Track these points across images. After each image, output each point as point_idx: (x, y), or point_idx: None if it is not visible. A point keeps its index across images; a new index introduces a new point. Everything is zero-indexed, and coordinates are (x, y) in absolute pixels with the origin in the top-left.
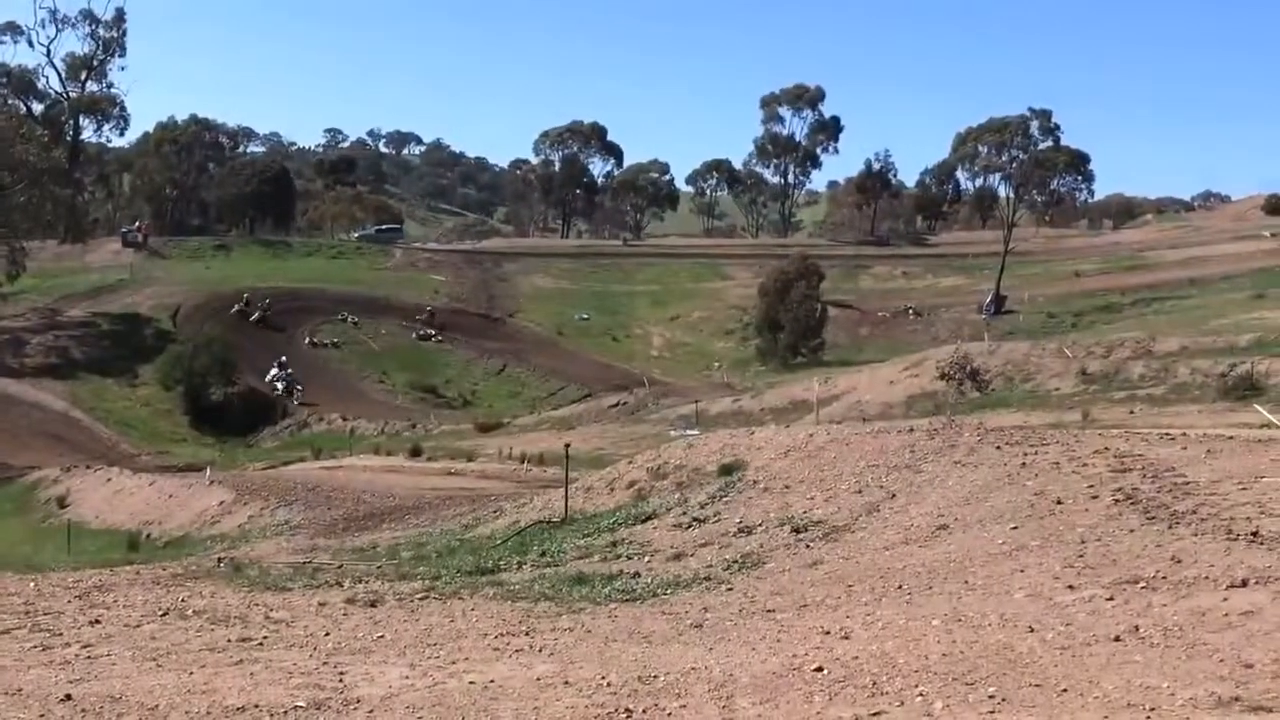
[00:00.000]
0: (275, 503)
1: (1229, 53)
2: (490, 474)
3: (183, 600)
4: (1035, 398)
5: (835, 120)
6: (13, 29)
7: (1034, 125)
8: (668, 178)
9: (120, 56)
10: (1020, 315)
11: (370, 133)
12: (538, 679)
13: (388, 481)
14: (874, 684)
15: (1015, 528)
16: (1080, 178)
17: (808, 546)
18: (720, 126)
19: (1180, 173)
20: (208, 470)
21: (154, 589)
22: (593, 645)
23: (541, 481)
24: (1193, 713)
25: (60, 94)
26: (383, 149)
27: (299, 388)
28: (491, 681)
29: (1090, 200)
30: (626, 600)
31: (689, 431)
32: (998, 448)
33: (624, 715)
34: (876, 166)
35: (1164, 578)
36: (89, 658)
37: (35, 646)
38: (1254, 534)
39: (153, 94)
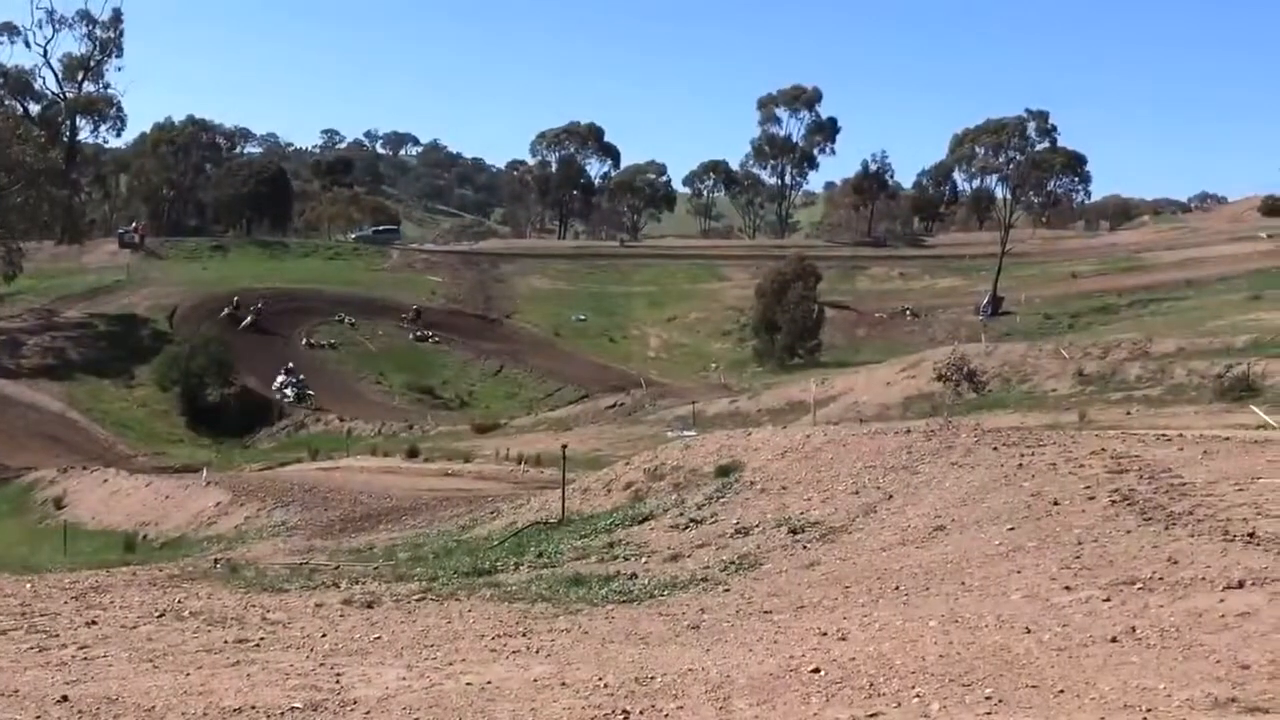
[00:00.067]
0: (272, 504)
1: (1226, 54)
2: (487, 475)
3: (179, 601)
4: (1032, 399)
5: (832, 121)
6: (9, 29)
7: (1031, 126)
8: (665, 179)
9: (117, 57)
10: (1017, 316)
11: (367, 133)
12: (535, 680)
13: (385, 482)
14: (871, 685)
15: (1012, 529)
16: (1077, 179)
17: (805, 548)
18: (717, 127)
19: (1177, 174)
20: (204, 471)
21: (151, 590)
22: (590, 646)
23: (538, 483)
24: (1189, 714)
25: (57, 94)
26: (380, 150)
27: (310, 393)
28: (488, 683)
29: (1087, 201)
30: (623, 601)
31: (686, 432)
32: (994, 449)
33: (621, 716)
34: (873, 168)
35: (1160, 579)
36: (85, 659)
37: (32, 648)
38: (1250, 535)
39: (150, 95)
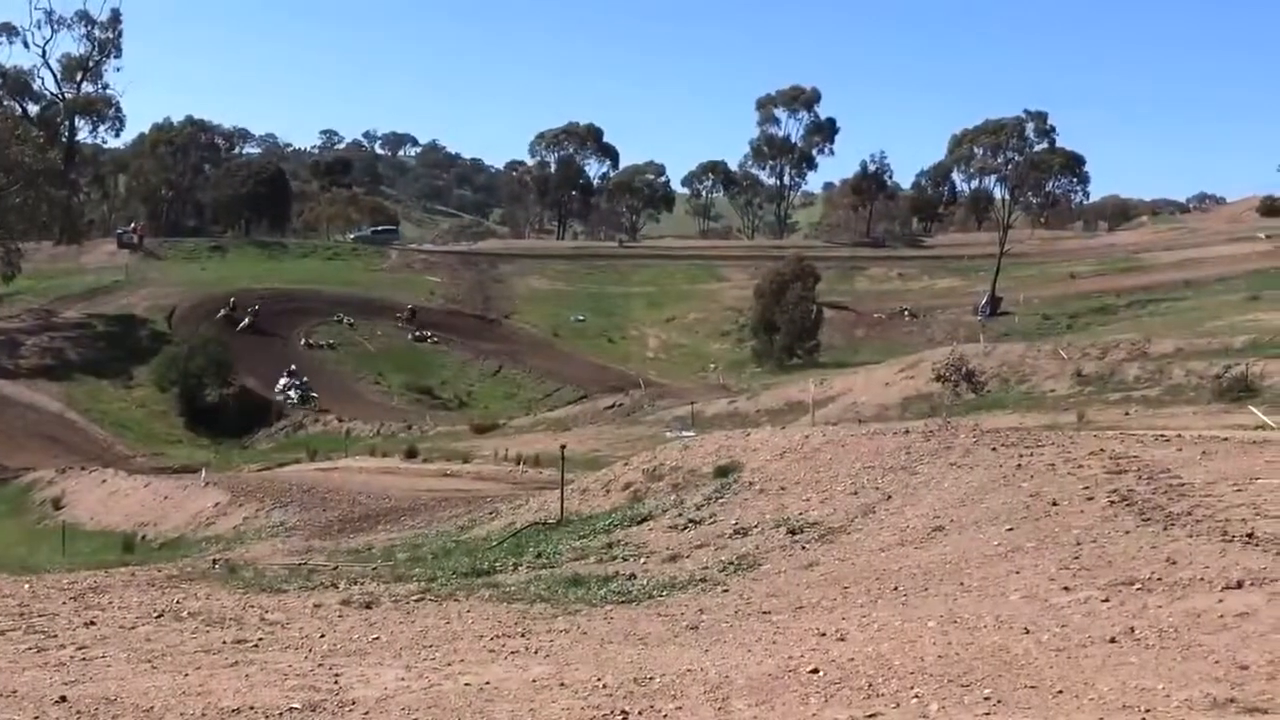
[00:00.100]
0: (270, 504)
1: (1224, 54)
2: (486, 475)
3: (178, 602)
4: (1030, 399)
5: (831, 122)
6: (8, 30)
7: (1029, 127)
8: (663, 179)
9: (116, 57)
10: (1016, 317)
11: (366, 134)
12: (533, 681)
13: (383, 483)
14: (869, 686)
15: (1011, 529)
16: (1075, 179)
17: (803, 548)
18: (716, 128)
19: (1175, 174)
20: (203, 472)
21: (149, 591)
22: (588, 647)
23: (537, 483)
24: (1188, 714)
25: (56, 95)
26: (378, 150)
27: (314, 395)
28: (487, 683)
29: (1085, 202)
30: (622, 602)
31: (685, 433)
32: (993, 449)
33: (620, 717)
34: (872, 168)
35: (1159, 579)
36: (84, 659)
37: (30, 648)
38: (1249, 535)
39: (148, 95)
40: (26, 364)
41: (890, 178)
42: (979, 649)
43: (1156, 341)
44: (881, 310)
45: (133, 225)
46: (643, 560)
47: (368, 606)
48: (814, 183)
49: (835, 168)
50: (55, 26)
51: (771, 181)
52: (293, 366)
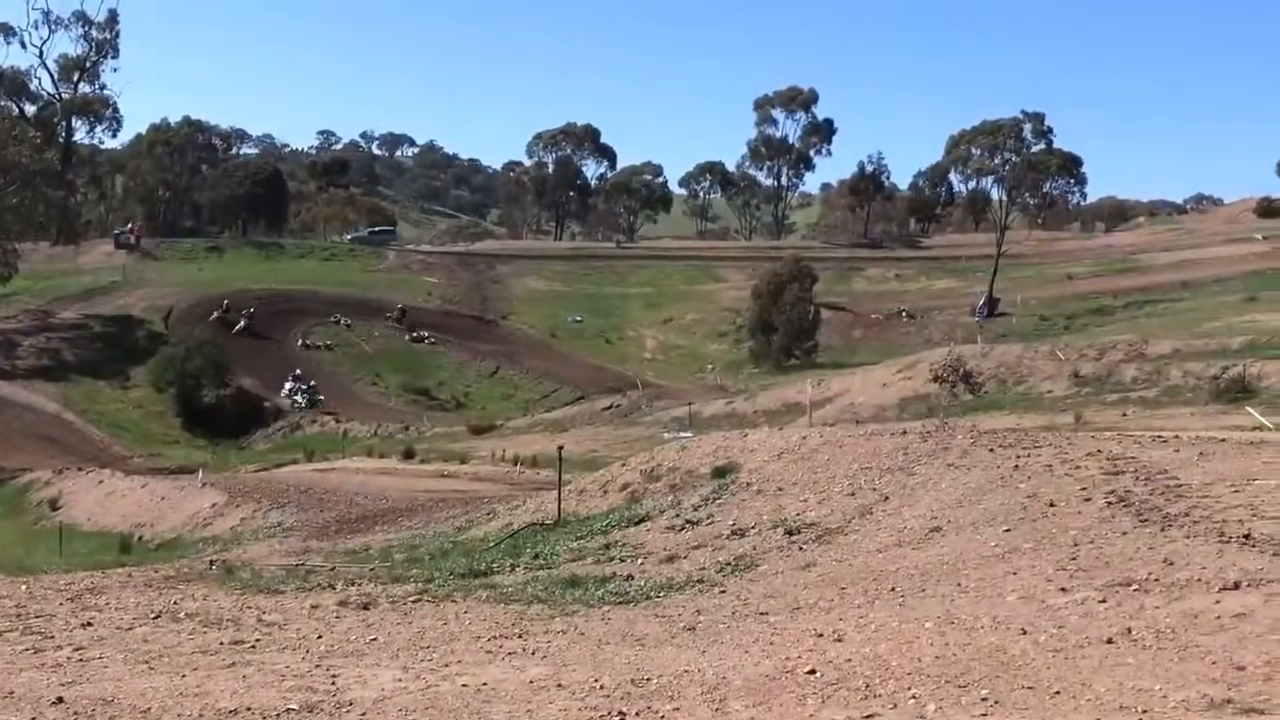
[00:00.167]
0: (268, 505)
1: (1222, 55)
2: (483, 476)
3: (175, 603)
4: (1028, 400)
5: (828, 122)
6: (5, 30)
7: (1027, 128)
8: (661, 180)
9: (113, 58)
10: (1013, 318)
11: (363, 135)
12: (531, 682)
13: (380, 484)
14: (867, 686)
15: (1008, 530)
16: (1073, 180)
17: (801, 549)
18: (713, 129)
19: (1173, 175)
20: (200, 472)
21: (146, 591)
22: (586, 648)
23: (534, 484)
24: (1185, 715)
25: (53, 95)
26: (376, 151)
27: (320, 399)
28: (484, 684)
29: (1083, 203)
30: (619, 603)
31: (682, 434)
32: (990, 450)
33: (617, 718)
34: (869, 169)
35: (1156, 580)
36: (81, 660)
37: (27, 649)
38: (1246, 536)
39: (146, 95)
40: (23, 364)
41: (888, 178)
42: (976, 650)
43: (1154, 343)
44: (879, 311)
45: (130, 226)
46: (640, 561)
47: (365, 607)
48: (811, 183)
49: (833, 168)
50: (52, 27)
51: (769, 182)
52: (298, 371)
